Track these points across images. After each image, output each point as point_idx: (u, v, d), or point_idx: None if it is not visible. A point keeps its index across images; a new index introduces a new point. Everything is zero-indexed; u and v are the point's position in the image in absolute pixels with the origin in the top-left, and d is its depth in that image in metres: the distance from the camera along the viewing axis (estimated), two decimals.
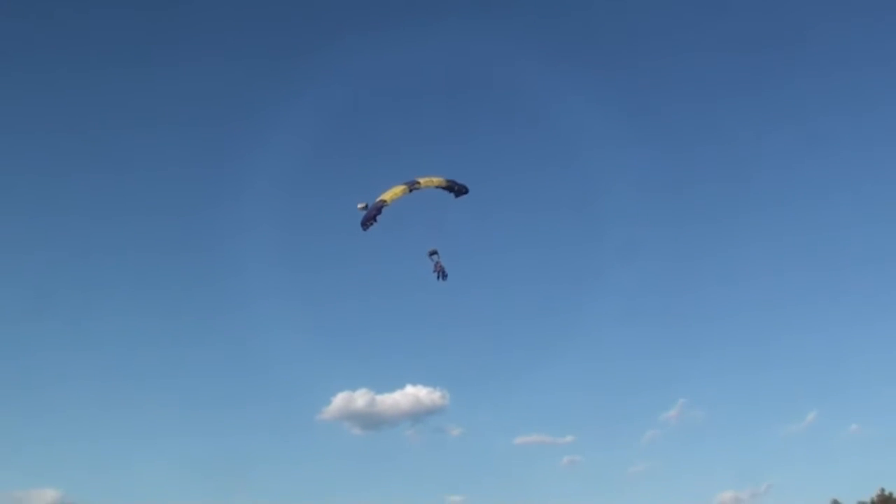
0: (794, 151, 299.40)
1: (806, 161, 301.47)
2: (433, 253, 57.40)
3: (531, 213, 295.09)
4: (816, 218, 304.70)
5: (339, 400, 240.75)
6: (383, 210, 54.10)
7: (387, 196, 55.42)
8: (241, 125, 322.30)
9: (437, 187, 56.44)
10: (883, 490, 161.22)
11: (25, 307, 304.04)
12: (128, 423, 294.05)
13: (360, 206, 52.63)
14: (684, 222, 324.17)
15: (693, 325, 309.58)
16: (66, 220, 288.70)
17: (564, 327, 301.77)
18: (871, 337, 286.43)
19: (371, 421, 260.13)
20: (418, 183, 55.50)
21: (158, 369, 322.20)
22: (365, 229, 54.17)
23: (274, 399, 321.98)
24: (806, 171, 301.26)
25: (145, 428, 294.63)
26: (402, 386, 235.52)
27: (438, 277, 57.33)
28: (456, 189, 56.78)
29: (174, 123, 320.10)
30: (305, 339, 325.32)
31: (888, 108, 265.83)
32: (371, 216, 53.80)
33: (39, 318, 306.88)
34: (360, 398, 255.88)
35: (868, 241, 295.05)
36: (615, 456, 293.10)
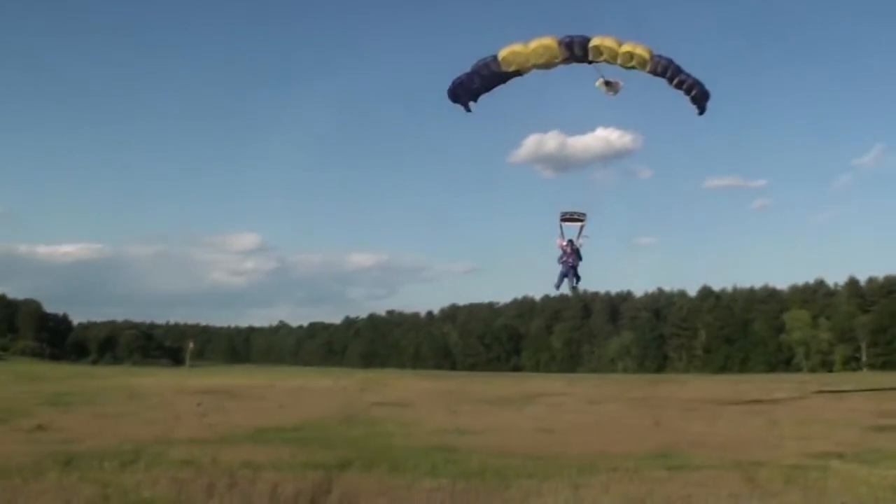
0: None
1: None
2: (572, 219, 32.34)
3: None
4: None
5: (530, 142, 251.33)
6: (502, 76, 30.50)
7: (511, 53, 30.17)
8: None
9: (628, 67, 28.91)
10: None
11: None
12: (324, 179, 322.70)
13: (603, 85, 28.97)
14: None
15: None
16: None
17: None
18: None
19: (561, 163, 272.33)
20: (590, 45, 28.80)
21: (351, 127, 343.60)
22: (459, 102, 31.30)
23: (463, 144, 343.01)
24: None
25: (341, 184, 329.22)
26: (592, 128, 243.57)
27: (566, 278, 32.63)
28: (691, 90, 29.42)
29: None
30: None
31: None
32: (468, 85, 30.87)
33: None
34: (550, 140, 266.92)
35: None
36: (806, 201, 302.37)
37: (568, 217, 32.57)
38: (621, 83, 29.43)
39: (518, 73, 30.29)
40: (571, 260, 32.91)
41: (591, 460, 20.89)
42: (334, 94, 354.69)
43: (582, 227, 32.58)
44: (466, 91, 30.90)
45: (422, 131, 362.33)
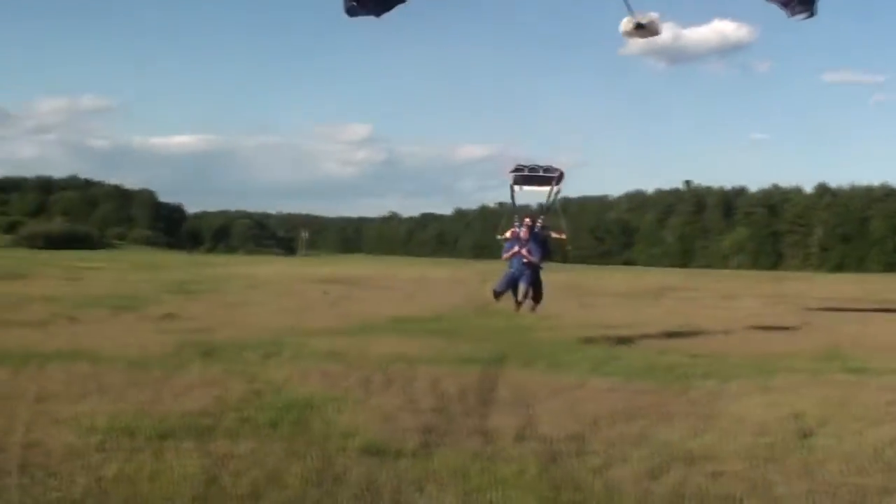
0: None
1: None
2: (532, 180, 22.77)
3: None
4: None
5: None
6: None
7: None
8: None
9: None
10: None
11: None
12: (434, 71, 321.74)
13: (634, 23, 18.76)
14: None
15: None
16: None
17: None
18: None
19: (675, 56, 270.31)
20: None
21: (461, 18, 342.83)
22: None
23: (574, 35, 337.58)
24: None
25: (450, 76, 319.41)
26: (708, 20, 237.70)
27: (516, 283, 22.57)
28: None
29: None
30: None
31: None
32: None
33: None
34: (664, 32, 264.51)
35: None
36: None
37: (526, 177, 22.12)
38: (657, 19, 18.90)
39: None
40: (528, 253, 22.15)
41: (762, 360, 19.32)
42: None
43: (555, 194, 22.65)
44: None
45: (530, 22, 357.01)
